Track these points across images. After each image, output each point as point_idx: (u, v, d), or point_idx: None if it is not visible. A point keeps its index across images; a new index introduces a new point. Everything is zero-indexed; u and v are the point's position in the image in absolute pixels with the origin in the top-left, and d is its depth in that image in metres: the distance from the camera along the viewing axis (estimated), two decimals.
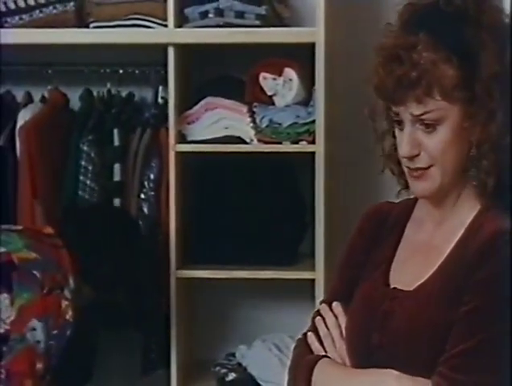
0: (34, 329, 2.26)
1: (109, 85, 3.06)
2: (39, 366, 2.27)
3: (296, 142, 2.86)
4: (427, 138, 1.51)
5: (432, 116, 1.49)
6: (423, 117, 1.49)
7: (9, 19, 2.94)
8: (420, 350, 1.51)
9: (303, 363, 1.65)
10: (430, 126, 1.50)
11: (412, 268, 1.60)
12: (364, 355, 1.58)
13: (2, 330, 2.23)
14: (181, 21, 2.89)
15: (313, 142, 2.83)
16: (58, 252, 2.40)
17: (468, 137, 1.52)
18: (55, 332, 2.29)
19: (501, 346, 1.44)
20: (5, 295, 2.24)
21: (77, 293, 2.38)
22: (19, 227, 2.55)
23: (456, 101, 1.49)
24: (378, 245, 1.68)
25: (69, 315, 2.32)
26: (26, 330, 2.25)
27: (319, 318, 1.69)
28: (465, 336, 1.46)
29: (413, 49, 1.48)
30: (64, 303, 2.30)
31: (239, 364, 3.04)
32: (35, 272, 2.29)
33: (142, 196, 2.92)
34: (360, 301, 1.64)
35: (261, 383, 3.00)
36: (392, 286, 1.60)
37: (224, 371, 3.03)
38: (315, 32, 2.78)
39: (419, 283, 1.55)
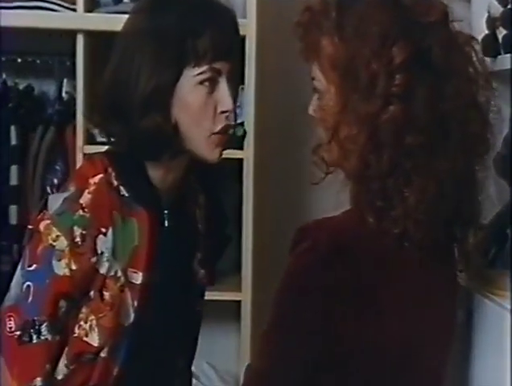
0: None
1: (4, 76, 2.77)
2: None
3: None
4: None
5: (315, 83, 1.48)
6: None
7: None
8: None
9: None
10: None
11: None
12: None
13: None
14: (92, 5, 2.62)
15: (241, 148, 2.55)
16: None
17: None
18: (31, 268, 1.59)
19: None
20: None
21: None
22: None
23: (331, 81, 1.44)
24: None
25: (51, 237, 1.59)
26: None
27: None
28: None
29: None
30: (45, 223, 1.60)
31: None
32: None
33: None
34: None
35: None
36: None
37: None
38: (245, 24, 2.49)
39: None
